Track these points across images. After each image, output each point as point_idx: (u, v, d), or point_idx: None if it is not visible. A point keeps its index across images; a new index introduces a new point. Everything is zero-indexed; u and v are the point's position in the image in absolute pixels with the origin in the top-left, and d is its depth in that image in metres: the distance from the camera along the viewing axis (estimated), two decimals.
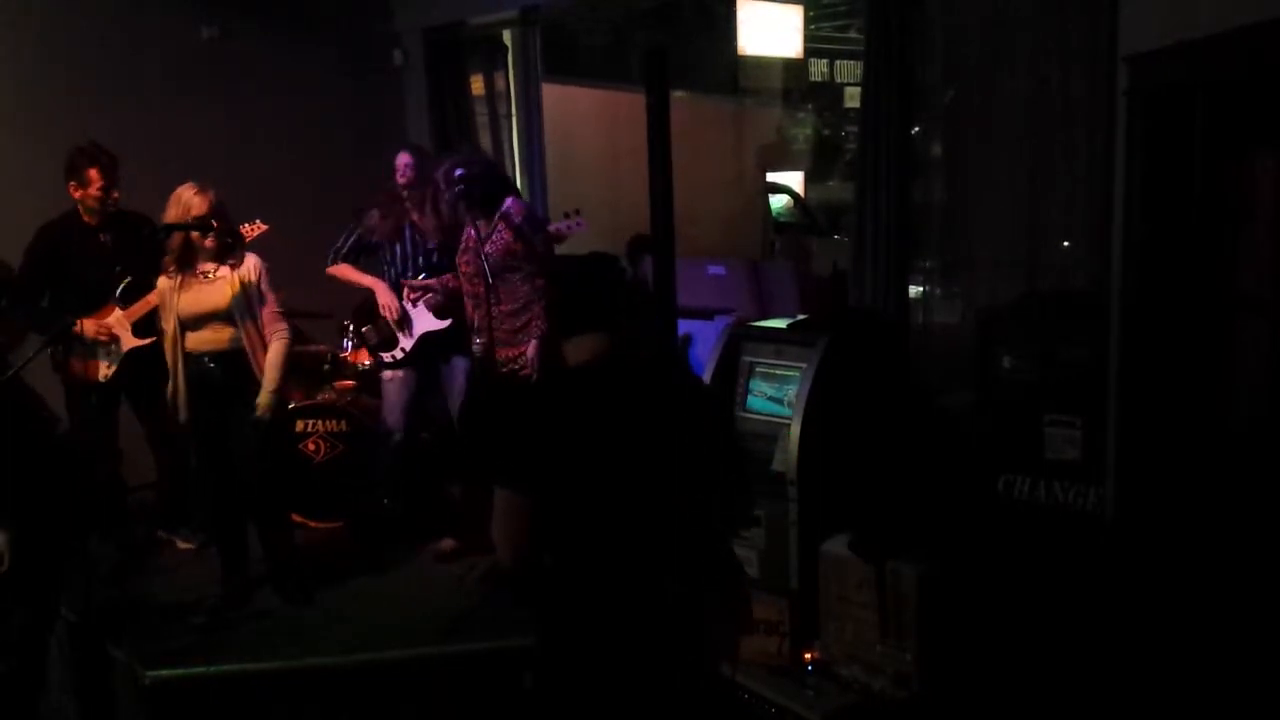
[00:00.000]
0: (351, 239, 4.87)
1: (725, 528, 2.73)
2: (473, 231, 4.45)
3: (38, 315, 4.52)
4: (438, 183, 4.56)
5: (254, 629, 4.17)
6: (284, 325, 4.26)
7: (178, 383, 4.16)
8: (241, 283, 4.14)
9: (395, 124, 6.68)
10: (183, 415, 4.20)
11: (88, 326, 4.62)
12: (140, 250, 4.51)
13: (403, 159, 4.74)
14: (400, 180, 4.73)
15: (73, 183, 4.65)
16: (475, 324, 4.46)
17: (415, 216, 4.74)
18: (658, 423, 2.41)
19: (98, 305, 4.65)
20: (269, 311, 4.20)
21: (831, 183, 10.50)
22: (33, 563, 3.45)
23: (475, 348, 4.43)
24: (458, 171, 4.48)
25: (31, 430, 3.49)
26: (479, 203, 4.42)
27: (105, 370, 4.69)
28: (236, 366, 4.15)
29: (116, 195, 4.69)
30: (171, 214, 4.10)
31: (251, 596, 4.36)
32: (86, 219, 4.71)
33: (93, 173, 4.61)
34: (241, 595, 4.34)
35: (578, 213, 4.77)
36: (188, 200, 4.07)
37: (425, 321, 4.79)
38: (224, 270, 4.15)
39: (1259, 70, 2.76)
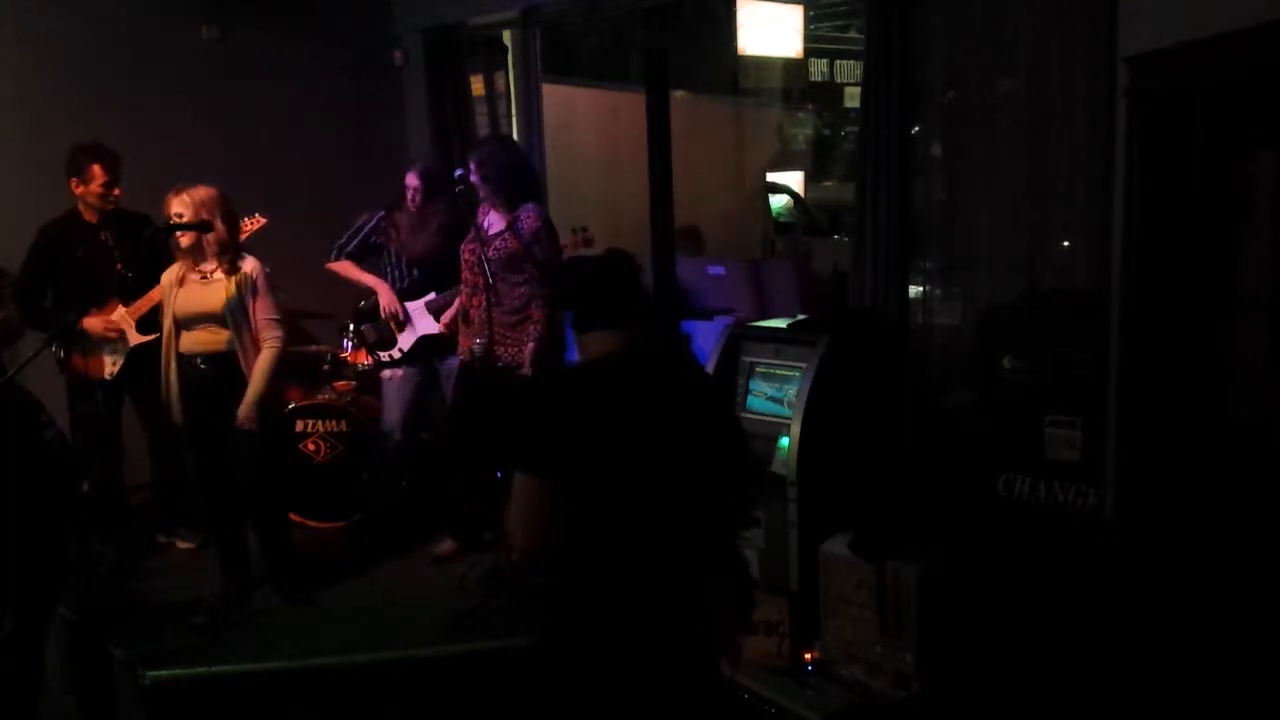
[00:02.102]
0: (358, 239, 4.87)
1: (732, 523, 2.75)
2: (482, 220, 4.45)
3: (41, 315, 4.52)
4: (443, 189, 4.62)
5: (254, 629, 4.17)
6: (278, 333, 4.16)
7: (170, 382, 4.15)
8: (238, 286, 4.11)
9: (395, 124, 6.69)
10: (176, 416, 4.20)
11: (94, 324, 4.62)
12: (141, 248, 4.51)
13: (411, 181, 4.74)
14: (410, 206, 4.75)
15: (74, 179, 4.65)
16: (472, 317, 4.46)
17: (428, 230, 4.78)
18: (673, 417, 2.45)
19: (100, 303, 4.65)
20: (264, 318, 4.14)
21: (831, 183, 10.48)
22: (26, 563, 3.45)
23: (476, 346, 4.43)
24: (457, 173, 4.50)
25: (25, 431, 3.49)
26: (505, 192, 4.43)
27: (111, 367, 4.69)
28: (229, 369, 4.14)
29: (118, 192, 4.70)
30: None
31: (251, 596, 4.36)
32: (87, 217, 4.71)
33: (96, 168, 4.62)
34: (241, 595, 4.34)
35: (585, 229, 4.78)
36: (166, 201, 4.08)
37: (425, 324, 4.79)
38: (221, 272, 4.15)
39: (1258, 71, 2.76)
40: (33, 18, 5.53)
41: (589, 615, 2.43)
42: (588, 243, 4.73)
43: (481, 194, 4.49)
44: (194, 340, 4.15)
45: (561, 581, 2.47)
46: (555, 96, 6.70)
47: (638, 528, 2.40)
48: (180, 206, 4.05)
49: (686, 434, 2.44)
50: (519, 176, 4.51)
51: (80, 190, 4.66)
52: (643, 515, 2.40)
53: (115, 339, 4.65)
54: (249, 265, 4.18)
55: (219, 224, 4.09)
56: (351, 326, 5.22)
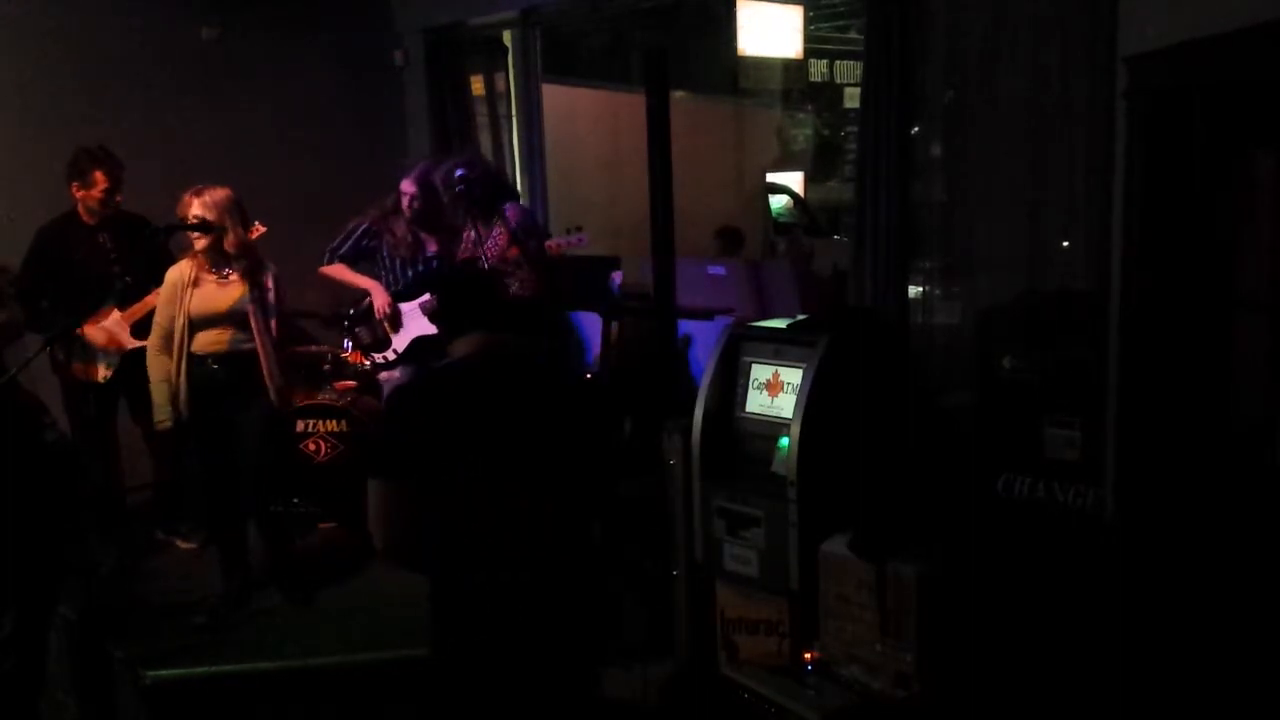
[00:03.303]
0: (350, 242, 4.89)
1: (589, 516, 2.77)
2: (472, 233, 4.50)
3: (38, 316, 4.51)
4: (439, 196, 4.64)
5: (254, 629, 4.17)
6: None
7: (179, 382, 4.14)
8: (259, 285, 4.14)
9: (395, 124, 6.69)
10: (184, 415, 4.19)
11: (93, 334, 4.62)
12: (138, 251, 4.51)
13: (407, 189, 4.76)
14: (406, 212, 4.77)
15: (75, 183, 4.64)
16: None
17: (423, 236, 4.80)
18: (525, 415, 2.53)
19: (97, 305, 4.65)
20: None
21: (831, 183, 10.49)
22: (26, 563, 3.45)
23: None
24: (459, 172, 4.51)
25: (25, 431, 3.49)
26: (479, 204, 4.48)
27: (105, 371, 4.69)
28: (239, 368, 4.15)
29: (120, 199, 4.69)
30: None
31: (251, 596, 4.36)
32: (86, 219, 4.71)
33: (98, 175, 4.61)
34: (241, 595, 4.33)
35: (579, 229, 4.79)
36: (184, 201, 4.07)
37: (418, 325, 4.80)
38: (238, 273, 4.15)
39: (1257, 72, 2.76)
40: (33, 18, 5.53)
41: (457, 613, 2.54)
42: (579, 240, 4.75)
43: (463, 207, 4.55)
44: (209, 340, 4.15)
45: (431, 581, 2.57)
46: (555, 96, 6.71)
47: (482, 522, 2.47)
48: (201, 209, 4.04)
49: (532, 430, 2.51)
50: (489, 187, 4.59)
51: (81, 195, 4.65)
52: (484, 509, 2.46)
53: (112, 350, 4.65)
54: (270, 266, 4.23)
55: (236, 226, 4.09)
56: (346, 327, 5.23)
